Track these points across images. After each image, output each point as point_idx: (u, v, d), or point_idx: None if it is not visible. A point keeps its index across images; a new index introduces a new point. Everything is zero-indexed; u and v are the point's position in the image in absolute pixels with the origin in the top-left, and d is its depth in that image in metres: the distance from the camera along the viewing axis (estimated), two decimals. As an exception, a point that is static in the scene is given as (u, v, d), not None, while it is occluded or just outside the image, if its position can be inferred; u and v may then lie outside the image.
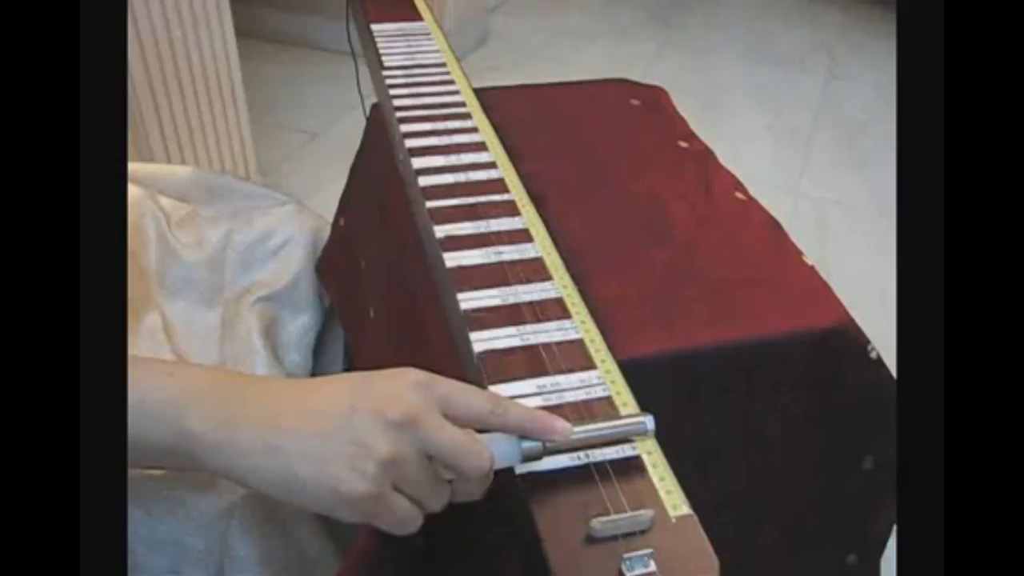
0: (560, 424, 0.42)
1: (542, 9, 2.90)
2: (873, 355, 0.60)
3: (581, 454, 0.43)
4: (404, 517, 0.41)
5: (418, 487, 0.41)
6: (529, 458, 0.42)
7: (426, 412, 0.40)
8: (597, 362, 0.49)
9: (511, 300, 0.54)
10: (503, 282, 0.56)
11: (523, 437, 0.42)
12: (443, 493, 0.42)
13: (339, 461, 0.39)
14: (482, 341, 0.51)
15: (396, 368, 0.43)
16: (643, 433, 0.44)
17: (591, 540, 0.39)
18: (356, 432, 0.40)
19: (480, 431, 0.42)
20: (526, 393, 0.47)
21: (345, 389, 0.42)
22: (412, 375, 0.42)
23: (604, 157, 0.78)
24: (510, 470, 0.42)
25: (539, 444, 0.42)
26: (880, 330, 0.65)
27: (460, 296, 0.54)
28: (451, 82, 0.82)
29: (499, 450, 0.42)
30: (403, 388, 0.41)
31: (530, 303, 0.54)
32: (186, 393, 0.42)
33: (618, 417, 0.46)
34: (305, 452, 0.40)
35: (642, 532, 0.39)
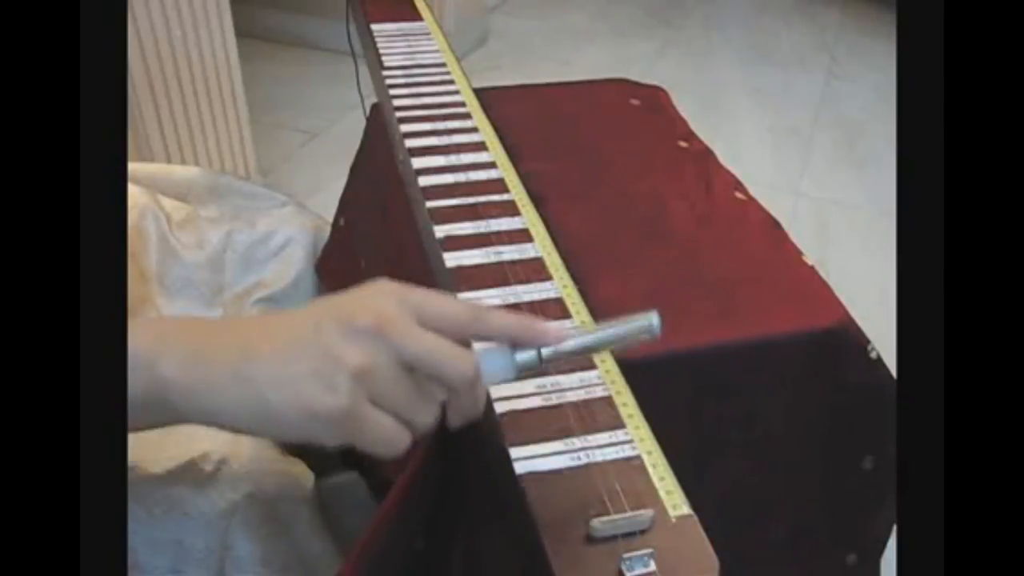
0: (554, 327, 0.40)
1: (542, 9, 2.90)
2: (873, 355, 0.60)
3: (581, 454, 0.43)
4: (386, 434, 0.38)
5: (397, 399, 0.38)
6: (524, 369, 0.40)
7: (398, 318, 0.38)
8: (597, 362, 0.49)
9: (511, 300, 0.54)
10: (503, 282, 0.56)
11: (515, 349, 0.40)
12: (428, 407, 0.39)
13: (309, 378, 0.37)
14: (482, 341, 0.51)
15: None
16: (649, 332, 0.40)
17: (591, 540, 0.39)
18: (323, 345, 0.37)
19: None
20: (526, 392, 0.47)
21: (311, 309, 0.40)
22: (381, 284, 0.40)
23: (604, 157, 0.78)
24: (512, 468, 0.42)
25: (534, 354, 0.39)
26: (880, 330, 0.65)
27: (460, 296, 0.54)
28: (451, 82, 0.82)
29: (488, 363, 0.39)
30: (371, 297, 0.39)
31: (530, 303, 0.54)
32: (156, 342, 0.40)
33: (620, 319, 0.42)
34: (274, 376, 0.38)
35: (642, 532, 0.39)
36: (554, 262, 0.58)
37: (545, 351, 0.40)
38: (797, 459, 0.63)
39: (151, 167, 0.83)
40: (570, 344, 0.40)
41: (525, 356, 0.39)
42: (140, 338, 0.40)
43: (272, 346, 0.39)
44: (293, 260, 0.78)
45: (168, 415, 0.41)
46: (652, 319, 0.40)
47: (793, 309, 0.60)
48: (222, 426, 0.40)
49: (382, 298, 0.39)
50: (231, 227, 0.77)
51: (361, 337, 0.37)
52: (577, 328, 0.39)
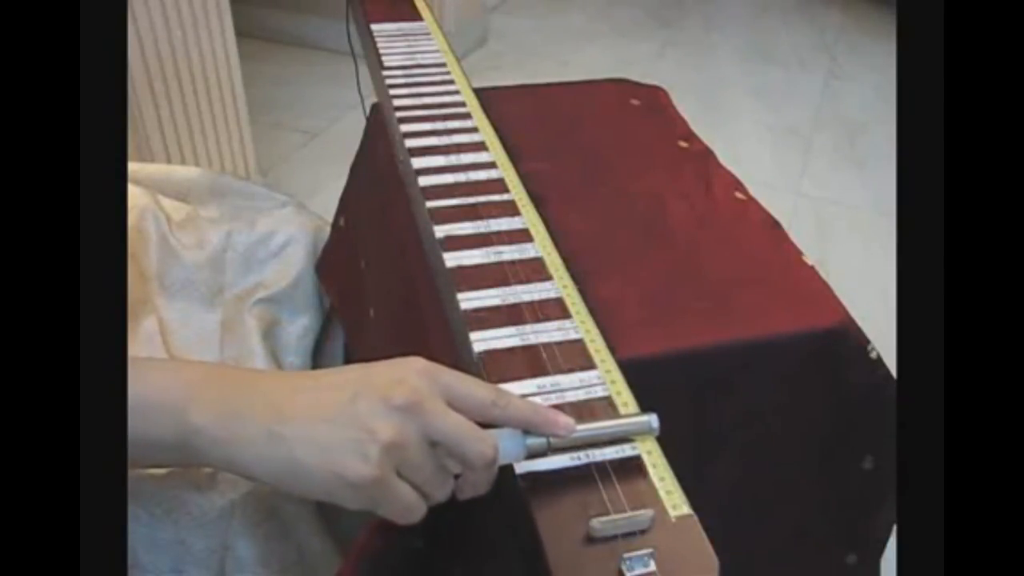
0: (564, 419, 0.42)
1: (542, 9, 2.90)
2: (873, 355, 0.60)
3: (581, 454, 0.43)
4: (407, 504, 0.41)
5: (421, 473, 0.41)
6: (533, 454, 0.42)
7: (429, 398, 0.40)
8: (597, 362, 0.49)
9: (511, 300, 0.54)
10: (503, 282, 0.56)
11: (527, 433, 0.42)
12: (447, 482, 0.42)
13: (342, 446, 0.39)
14: (482, 341, 0.51)
15: (399, 357, 0.43)
16: (648, 432, 0.44)
17: (591, 540, 0.39)
18: (359, 417, 0.40)
19: (484, 428, 0.42)
20: (526, 393, 0.47)
21: (347, 377, 0.42)
22: (416, 363, 0.42)
23: (604, 157, 0.78)
24: (511, 468, 0.42)
25: (544, 440, 0.42)
26: (880, 330, 0.65)
27: (460, 296, 0.54)
28: (451, 82, 0.82)
29: (503, 445, 0.41)
30: (407, 374, 0.41)
31: (530, 303, 0.54)
32: (187, 389, 0.42)
33: (623, 415, 0.46)
34: (308, 439, 0.40)
35: (642, 532, 0.39)
36: (554, 262, 0.58)
37: (554, 439, 0.42)
38: (797, 459, 0.63)
39: (151, 167, 0.83)
40: (576, 436, 0.43)
41: (535, 442, 0.42)
42: (169, 383, 0.43)
43: (307, 409, 0.41)
44: (293, 260, 0.78)
45: (192, 459, 0.43)
46: (652, 421, 0.44)
47: (793, 309, 0.60)
48: (246, 476, 0.42)
49: (416, 377, 0.41)
50: (231, 227, 0.77)
51: (395, 413, 0.40)
52: (584, 426, 0.43)
